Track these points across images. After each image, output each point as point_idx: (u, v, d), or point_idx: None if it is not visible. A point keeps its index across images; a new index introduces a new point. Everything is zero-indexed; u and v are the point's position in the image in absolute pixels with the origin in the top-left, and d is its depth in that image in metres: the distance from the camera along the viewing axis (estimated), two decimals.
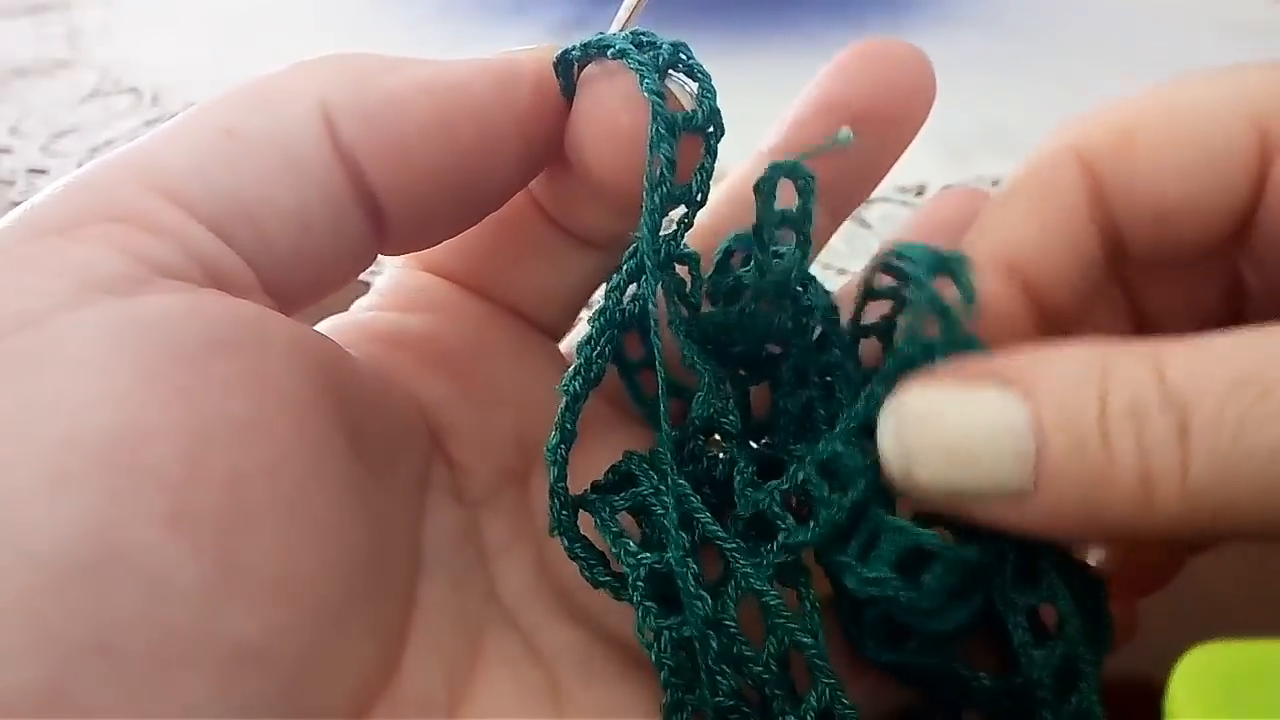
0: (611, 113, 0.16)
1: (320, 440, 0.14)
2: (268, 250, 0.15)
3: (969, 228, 0.19)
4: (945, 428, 0.15)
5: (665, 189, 0.16)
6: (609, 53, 0.16)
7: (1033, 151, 0.19)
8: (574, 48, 0.17)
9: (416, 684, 0.16)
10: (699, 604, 0.16)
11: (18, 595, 0.12)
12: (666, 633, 0.16)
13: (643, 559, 0.16)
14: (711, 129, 0.17)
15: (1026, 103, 0.44)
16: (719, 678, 0.16)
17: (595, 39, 0.17)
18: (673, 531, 0.16)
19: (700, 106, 0.17)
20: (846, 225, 0.41)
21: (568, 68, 0.17)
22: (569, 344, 0.21)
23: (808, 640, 0.16)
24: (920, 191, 0.42)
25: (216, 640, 0.13)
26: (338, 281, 0.17)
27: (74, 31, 0.62)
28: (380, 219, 0.16)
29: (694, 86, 0.17)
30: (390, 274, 0.20)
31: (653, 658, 0.16)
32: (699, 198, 0.17)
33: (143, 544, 0.12)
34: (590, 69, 0.17)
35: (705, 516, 0.16)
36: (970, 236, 0.18)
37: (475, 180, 0.16)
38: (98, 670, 0.12)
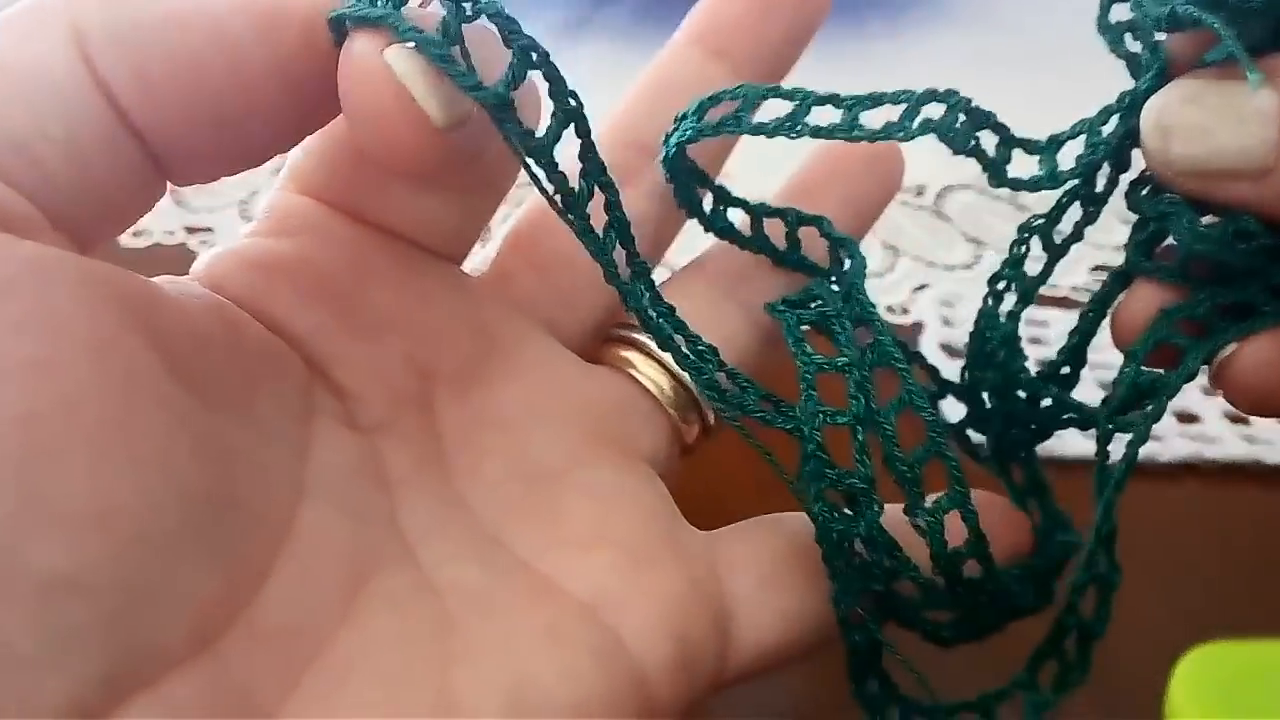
0: (362, 63, 0.15)
1: (128, 376, 0.14)
2: (48, 184, 0.15)
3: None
4: (1200, 107, 0.17)
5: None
6: (374, 18, 0.16)
7: None
8: (347, 10, 0.16)
9: (279, 613, 0.15)
10: (857, 401, 0.18)
11: None
12: (822, 416, 0.18)
13: (816, 358, 0.19)
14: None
15: (1026, 103, 0.44)
16: (859, 464, 0.18)
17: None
18: (844, 340, 0.19)
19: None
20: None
21: (340, 26, 0.16)
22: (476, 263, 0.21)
23: (951, 455, 0.18)
24: (920, 191, 0.42)
25: (23, 571, 0.13)
26: (130, 214, 0.16)
27: None
28: (150, 149, 0.16)
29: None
30: (264, 199, 0.20)
31: (805, 433, 0.18)
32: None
33: None
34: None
35: (886, 338, 0.19)
36: None
37: (235, 123, 0.16)
38: None
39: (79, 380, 0.14)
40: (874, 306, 0.20)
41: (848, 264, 0.21)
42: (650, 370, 0.21)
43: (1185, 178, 0.18)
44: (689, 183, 0.21)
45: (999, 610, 0.19)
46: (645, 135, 0.21)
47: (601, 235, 0.18)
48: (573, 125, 0.17)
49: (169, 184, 0.17)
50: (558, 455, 0.19)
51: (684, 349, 0.19)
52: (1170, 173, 0.18)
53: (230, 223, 0.40)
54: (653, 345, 0.20)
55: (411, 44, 0.15)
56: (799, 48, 0.22)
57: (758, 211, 0.22)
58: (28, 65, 0.15)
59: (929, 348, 0.34)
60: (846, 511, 0.18)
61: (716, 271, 0.22)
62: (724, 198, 0.22)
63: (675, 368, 0.20)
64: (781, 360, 0.20)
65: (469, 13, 0.16)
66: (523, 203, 0.21)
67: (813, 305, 0.20)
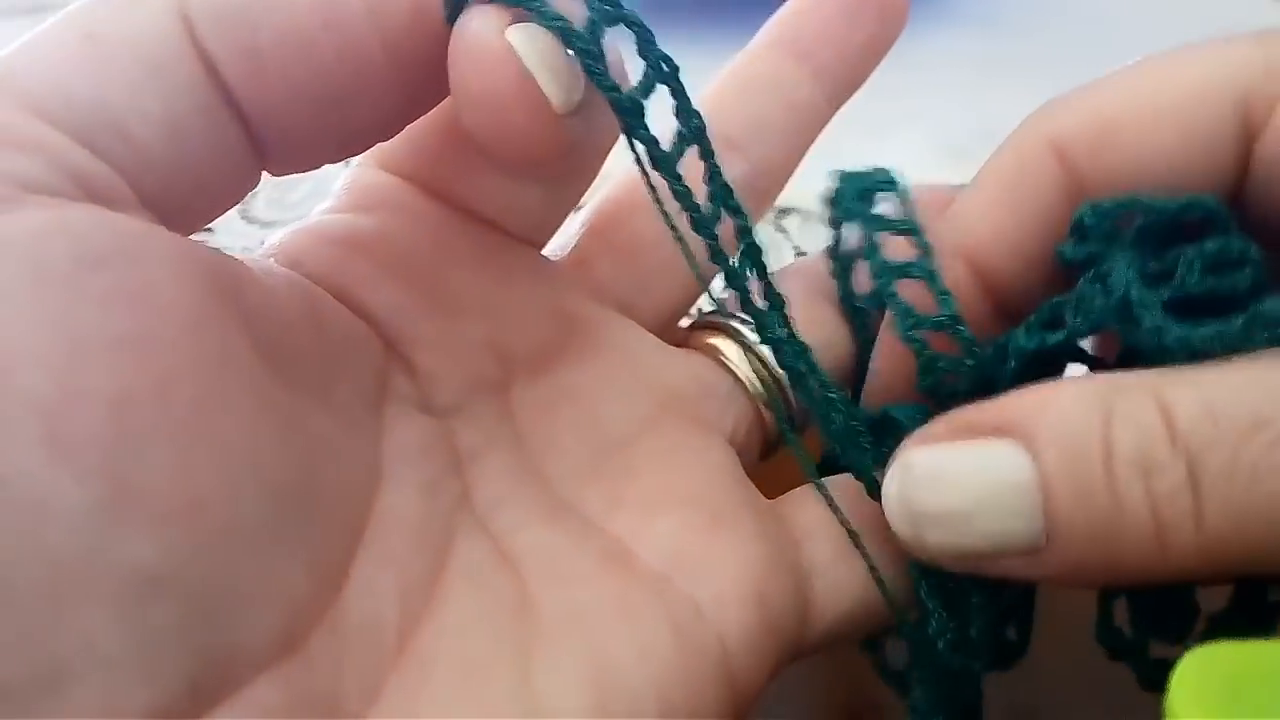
0: (481, 41, 0.15)
1: (221, 358, 0.14)
2: (141, 161, 0.14)
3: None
4: (949, 489, 0.15)
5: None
6: None
7: (1007, 139, 0.19)
8: None
9: (362, 608, 0.15)
10: (945, 300, 0.19)
11: None
12: (892, 275, 0.19)
13: (890, 262, 0.19)
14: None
15: (1026, 103, 0.44)
16: (943, 304, 0.19)
17: None
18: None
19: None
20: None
21: (456, 3, 0.16)
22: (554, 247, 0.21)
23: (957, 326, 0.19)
24: None
25: (110, 567, 0.12)
26: (222, 199, 0.16)
27: None
28: (252, 131, 0.15)
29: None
30: (346, 174, 0.19)
31: (906, 337, 0.19)
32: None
33: (18, 469, 0.12)
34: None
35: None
36: (938, 225, 0.18)
37: (342, 104, 0.15)
38: None
39: (172, 361, 0.13)
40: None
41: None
42: (736, 355, 0.20)
43: (950, 561, 0.16)
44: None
45: None
46: (729, 129, 0.21)
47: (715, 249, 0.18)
48: (696, 145, 0.17)
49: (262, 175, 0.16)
50: (631, 424, 0.19)
51: (782, 336, 0.19)
52: (932, 558, 0.16)
53: (230, 222, 0.40)
54: (744, 332, 0.20)
55: (535, 24, 0.15)
56: (878, 57, 0.22)
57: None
58: (127, 38, 0.14)
59: None
60: None
61: (813, 274, 0.22)
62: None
63: (765, 355, 0.20)
64: None
65: (611, 16, 0.16)
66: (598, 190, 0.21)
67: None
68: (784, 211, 0.42)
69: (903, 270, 0.19)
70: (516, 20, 0.15)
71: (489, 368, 0.18)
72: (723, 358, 0.21)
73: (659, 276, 0.21)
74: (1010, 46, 0.52)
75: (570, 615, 0.16)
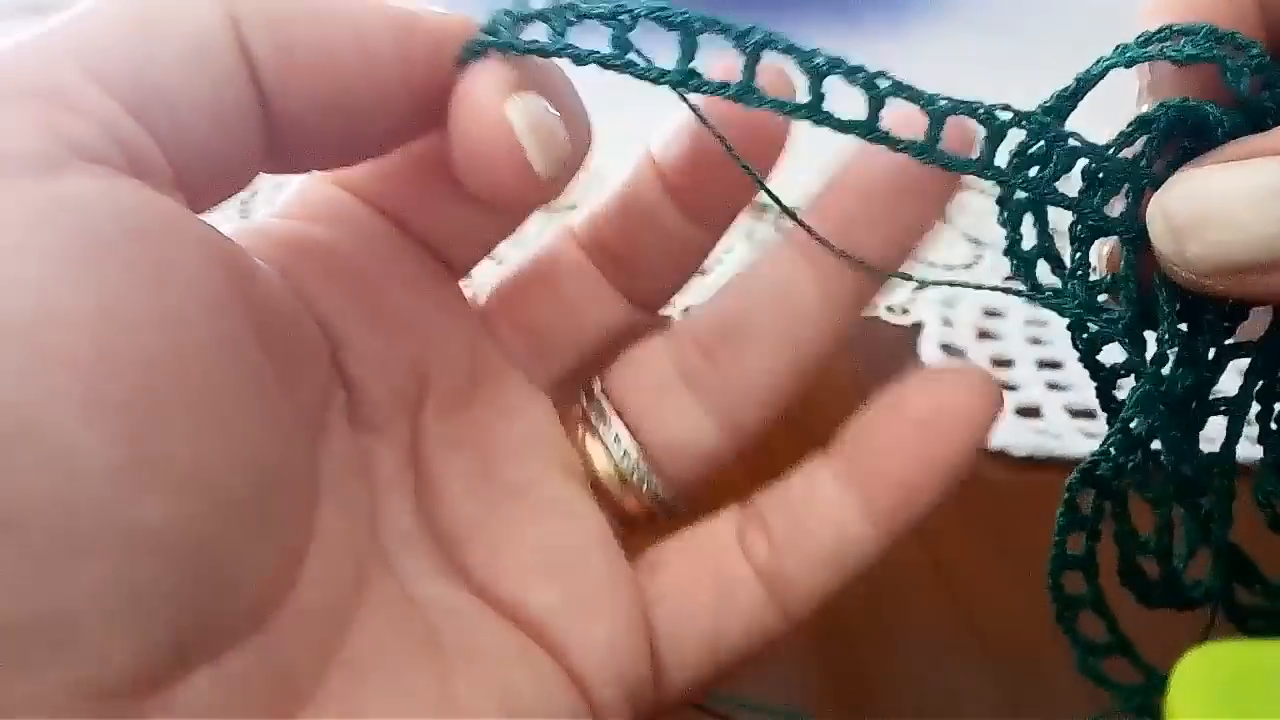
0: (483, 110, 0.16)
1: (231, 340, 0.14)
2: (181, 141, 0.15)
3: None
4: (1212, 199, 0.16)
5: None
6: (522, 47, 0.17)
7: None
8: (492, 32, 0.17)
9: (311, 596, 0.16)
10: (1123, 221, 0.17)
11: None
12: (1088, 223, 0.18)
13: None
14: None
15: (1026, 103, 0.44)
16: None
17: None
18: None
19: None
20: None
21: (477, 53, 0.17)
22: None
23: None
24: None
25: (120, 524, 0.13)
26: (225, 190, 0.17)
27: None
28: (271, 129, 0.16)
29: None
30: (296, 184, 0.20)
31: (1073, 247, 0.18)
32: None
33: (54, 424, 0.12)
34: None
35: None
36: None
37: (358, 116, 0.16)
38: (2, 546, 0.12)
39: (193, 337, 0.14)
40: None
41: None
42: (602, 459, 0.21)
43: (1208, 279, 0.16)
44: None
45: None
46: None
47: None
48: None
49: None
50: (519, 482, 0.19)
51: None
52: (1192, 276, 0.16)
53: (230, 219, 0.40)
54: (605, 434, 0.20)
55: (530, 93, 0.16)
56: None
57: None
58: (179, 23, 0.15)
59: (929, 348, 0.34)
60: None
61: (676, 357, 0.21)
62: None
63: (629, 454, 0.20)
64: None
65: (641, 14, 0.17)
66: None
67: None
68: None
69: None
70: (521, 76, 0.17)
71: (410, 386, 0.19)
72: (589, 458, 0.21)
73: (557, 347, 0.21)
74: (1012, 48, 0.52)
75: (477, 652, 0.17)
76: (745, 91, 0.17)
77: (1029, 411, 0.31)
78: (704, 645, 0.19)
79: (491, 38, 0.17)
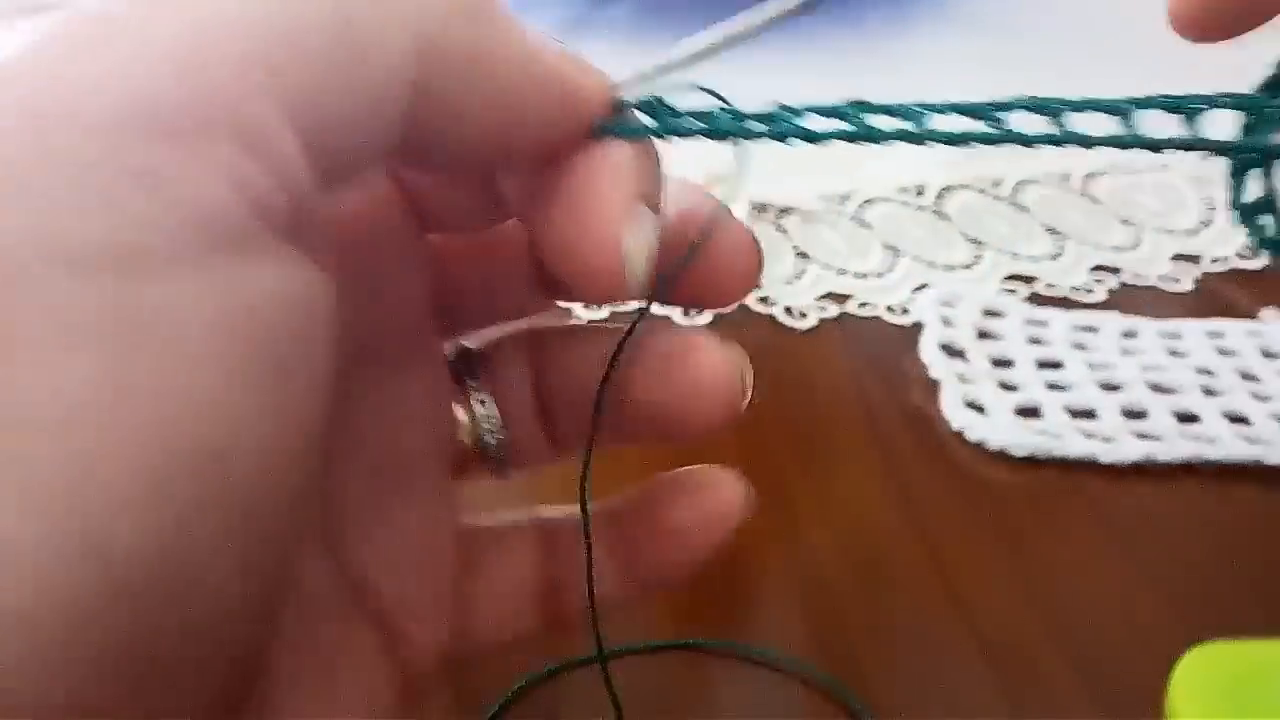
0: (602, 226, 0.16)
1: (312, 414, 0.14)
2: (321, 200, 0.13)
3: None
4: None
5: None
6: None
7: None
8: (633, 101, 0.17)
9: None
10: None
11: (90, 599, 0.11)
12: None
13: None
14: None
15: None
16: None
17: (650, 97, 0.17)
18: None
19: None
20: (847, 225, 0.41)
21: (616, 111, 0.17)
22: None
23: None
24: (920, 191, 0.42)
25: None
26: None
27: None
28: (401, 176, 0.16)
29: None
30: None
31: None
32: None
33: (211, 572, 0.12)
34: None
35: None
36: None
37: (477, 161, 0.16)
38: (150, 687, 0.11)
39: (306, 460, 0.13)
40: None
41: None
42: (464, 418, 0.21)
43: None
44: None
45: None
46: None
47: None
48: None
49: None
50: (400, 461, 0.19)
51: None
52: None
53: None
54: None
55: (646, 214, 0.16)
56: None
57: None
58: (383, 50, 0.13)
59: (929, 348, 0.34)
60: None
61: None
62: None
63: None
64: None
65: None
66: None
67: None
68: (784, 211, 0.42)
69: None
70: (642, 176, 0.16)
71: (348, 352, 0.18)
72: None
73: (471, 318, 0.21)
74: (1009, 46, 0.52)
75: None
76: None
77: (1029, 411, 0.31)
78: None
79: (628, 123, 0.17)
